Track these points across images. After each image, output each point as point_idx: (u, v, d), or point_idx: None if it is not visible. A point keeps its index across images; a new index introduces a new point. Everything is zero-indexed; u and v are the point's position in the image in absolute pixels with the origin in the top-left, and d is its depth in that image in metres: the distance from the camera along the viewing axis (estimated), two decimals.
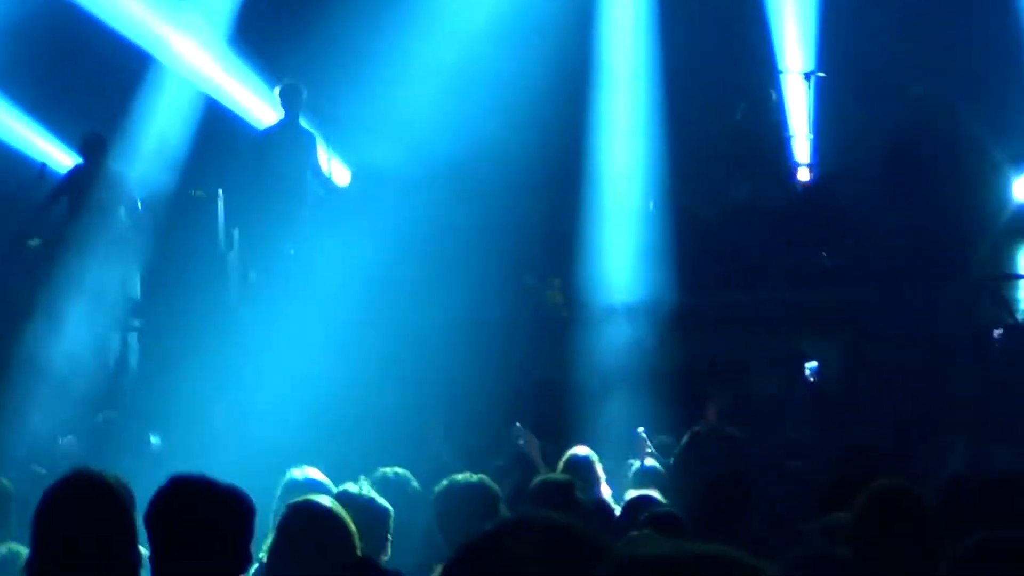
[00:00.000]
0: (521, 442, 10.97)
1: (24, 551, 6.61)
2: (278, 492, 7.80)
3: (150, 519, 5.18)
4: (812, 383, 13.42)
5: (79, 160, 16.93)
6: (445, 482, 7.88)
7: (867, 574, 5.59)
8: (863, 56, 18.85)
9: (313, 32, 18.17)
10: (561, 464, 10.14)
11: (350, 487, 7.33)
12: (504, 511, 7.76)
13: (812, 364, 13.57)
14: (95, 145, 16.62)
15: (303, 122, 16.84)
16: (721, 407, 11.93)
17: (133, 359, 15.90)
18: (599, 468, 10.19)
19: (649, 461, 10.78)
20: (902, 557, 5.46)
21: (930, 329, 15.81)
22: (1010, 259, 17.44)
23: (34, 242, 16.99)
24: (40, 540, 5.33)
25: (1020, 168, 16.92)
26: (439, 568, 6.68)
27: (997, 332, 14.41)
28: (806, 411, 13.22)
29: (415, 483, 8.19)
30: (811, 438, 11.16)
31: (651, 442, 11.79)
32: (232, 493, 5.21)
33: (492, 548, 3.37)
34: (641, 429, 11.39)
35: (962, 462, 10.56)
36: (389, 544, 6.97)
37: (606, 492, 9.97)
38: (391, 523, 7.05)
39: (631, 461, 10.90)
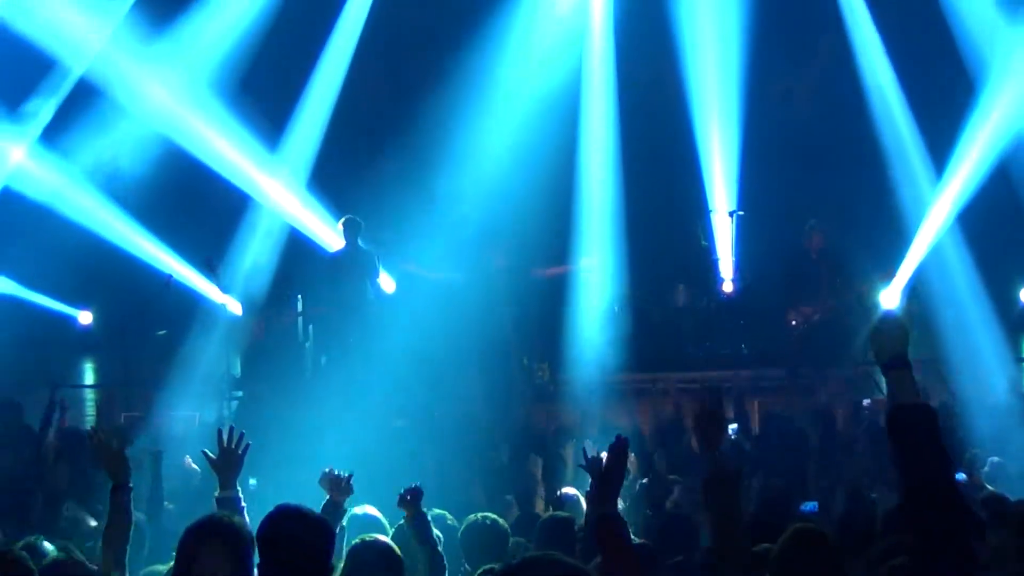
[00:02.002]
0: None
1: (161, 569, 6.51)
2: (344, 524, 7.54)
3: (260, 539, 4.97)
4: (733, 440, 13.34)
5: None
6: (469, 519, 7.90)
7: None
8: (772, 199, 19.02)
9: (367, 181, 18.39)
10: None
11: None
12: (512, 543, 7.80)
13: (733, 426, 13.51)
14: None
15: (363, 244, 16.87)
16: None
17: (232, 422, 15.75)
18: (584, 503, 10.21)
19: (570, 490, 10.65)
20: None
21: (820, 401, 15.87)
22: None
23: (162, 332, 17.04)
24: (181, 569, 5.01)
25: (884, 283, 16.97)
26: None
27: (866, 402, 14.45)
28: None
29: (451, 518, 8.15)
30: None
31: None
32: (321, 519, 5.08)
33: None
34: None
35: (843, 501, 10.49)
36: None
37: None
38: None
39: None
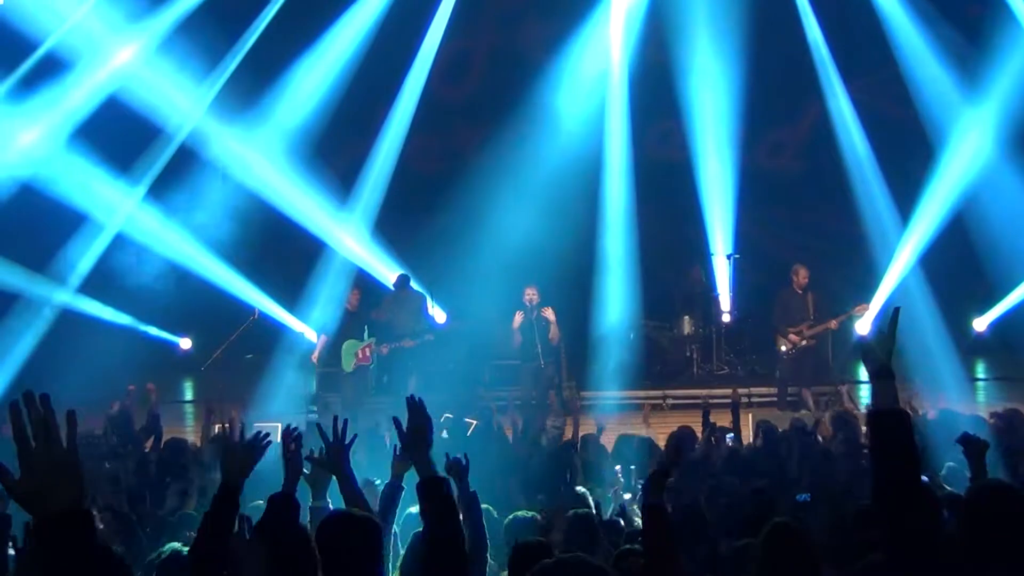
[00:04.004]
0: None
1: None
2: (400, 521, 7.51)
3: (317, 543, 4.56)
4: (731, 446, 13.17)
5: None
6: (511, 516, 7.79)
7: None
8: (761, 244, 19.07)
9: (421, 231, 18.48)
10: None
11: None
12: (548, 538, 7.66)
13: (730, 434, 13.35)
14: None
15: (412, 287, 16.89)
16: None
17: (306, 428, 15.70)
18: (590, 499, 10.01)
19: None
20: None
21: (803, 413, 15.73)
22: (853, 370, 17.44)
23: (250, 356, 17.03)
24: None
25: (859, 314, 16.81)
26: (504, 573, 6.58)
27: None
28: (727, 465, 13.02)
29: (495, 512, 8.01)
30: (730, 484, 10.91)
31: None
32: (367, 519, 4.72)
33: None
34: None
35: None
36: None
37: None
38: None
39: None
